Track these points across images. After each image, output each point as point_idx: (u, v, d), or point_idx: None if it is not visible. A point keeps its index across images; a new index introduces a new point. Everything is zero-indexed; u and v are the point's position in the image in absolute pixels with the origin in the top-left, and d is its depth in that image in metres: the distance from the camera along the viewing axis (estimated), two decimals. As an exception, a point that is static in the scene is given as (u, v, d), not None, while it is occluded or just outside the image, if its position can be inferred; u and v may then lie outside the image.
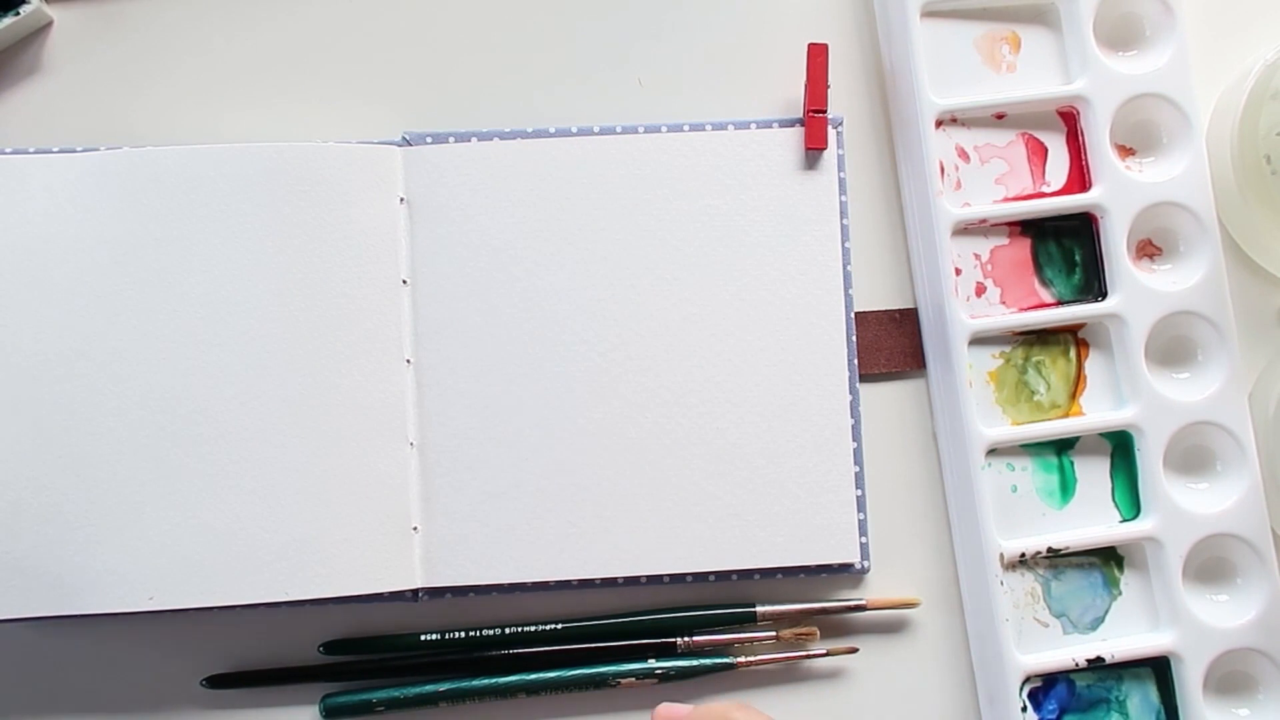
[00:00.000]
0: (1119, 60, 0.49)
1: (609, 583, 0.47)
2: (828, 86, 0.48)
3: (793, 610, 0.47)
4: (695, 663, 0.47)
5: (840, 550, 0.47)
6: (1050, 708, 0.47)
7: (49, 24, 0.50)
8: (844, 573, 0.48)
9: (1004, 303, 0.48)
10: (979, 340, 0.48)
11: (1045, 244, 0.49)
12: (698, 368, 0.48)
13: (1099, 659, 0.46)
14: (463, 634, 0.47)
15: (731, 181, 0.48)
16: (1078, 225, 0.49)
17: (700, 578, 0.47)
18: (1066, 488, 0.48)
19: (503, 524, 0.47)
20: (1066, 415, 0.48)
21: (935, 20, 0.49)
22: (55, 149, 0.48)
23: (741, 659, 0.47)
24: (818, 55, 0.48)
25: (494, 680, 0.47)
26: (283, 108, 0.50)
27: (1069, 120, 0.49)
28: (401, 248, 0.48)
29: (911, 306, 0.50)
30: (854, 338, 0.48)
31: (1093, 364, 0.49)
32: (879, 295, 0.50)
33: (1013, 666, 0.46)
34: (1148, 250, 0.49)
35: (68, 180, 0.47)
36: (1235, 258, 0.49)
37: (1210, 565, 0.47)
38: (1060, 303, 0.49)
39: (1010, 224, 0.49)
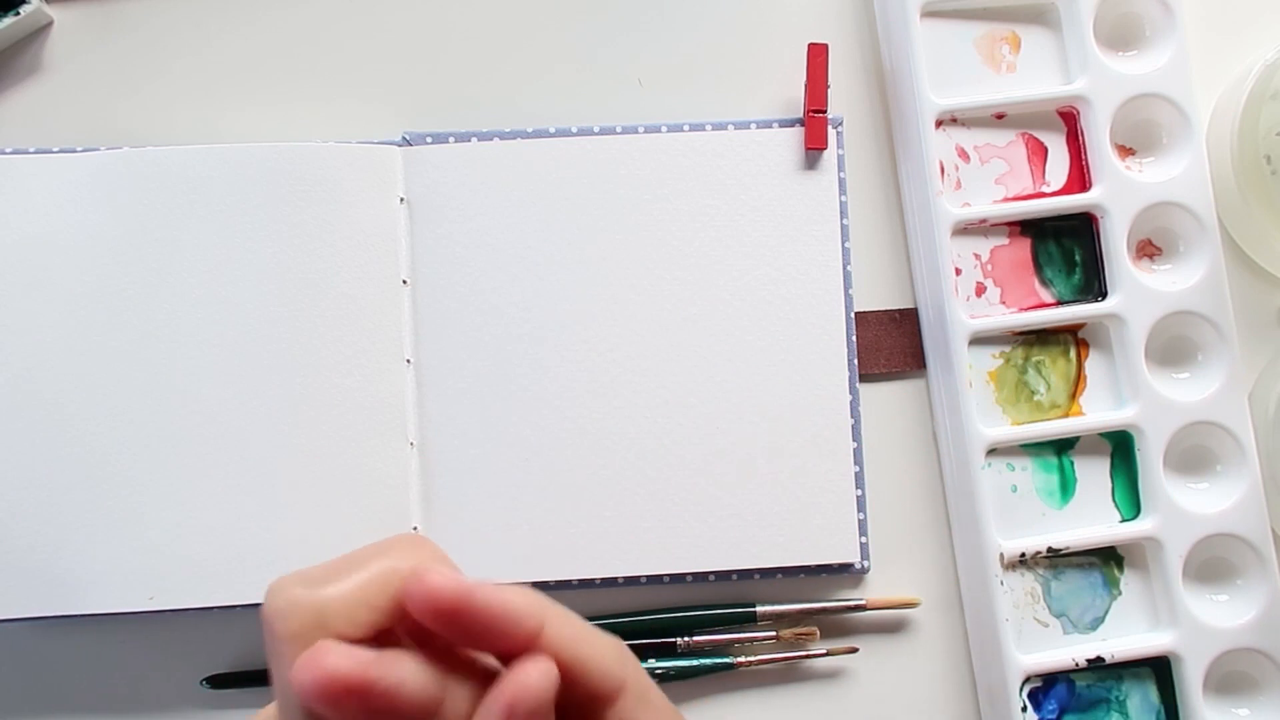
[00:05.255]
0: (1119, 60, 0.49)
1: (609, 582, 0.47)
2: (828, 86, 0.48)
3: (793, 610, 0.47)
4: (695, 663, 0.47)
5: (840, 550, 0.47)
6: (1050, 708, 0.47)
7: (49, 24, 0.50)
8: (844, 573, 0.48)
9: (1004, 303, 0.48)
10: (979, 340, 0.48)
11: (1045, 244, 0.49)
12: (697, 367, 0.48)
13: (1099, 659, 0.46)
14: (463, 634, 0.47)
15: (731, 181, 0.48)
16: (1078, 225, 0.49)
17: (700, 578, 0.47)
18: (1066, 488, 0.48)
19: (503, 524, 0.47)
20: (1066, 415, 0.48)
21: (935, 20, 0.49)
22: (55, 149, 0.48)
23: (741, 659, 0.47)
24: (818, 55, 0.48)
25: (494, 680, 0.47)
26: (282, 108, 0.50)
27: (1069, 120, 0.49)
28: (401, 248, 0.48)
29: (911, 306, 0.50)
30: (854, 338, 0.48)
31: (1093, 364, 0.49)
32: (879, 295, 0.50)
33: (1013, 666, 0.46)
34: (1148, 250, 0.49)
35: (68, 180, 0.47)
36: (1235, 258, 0.49)
37: (1210, 565, 0.47)
38: (1060, 303, 0.49)
39: (1010, 224, 0.49)
